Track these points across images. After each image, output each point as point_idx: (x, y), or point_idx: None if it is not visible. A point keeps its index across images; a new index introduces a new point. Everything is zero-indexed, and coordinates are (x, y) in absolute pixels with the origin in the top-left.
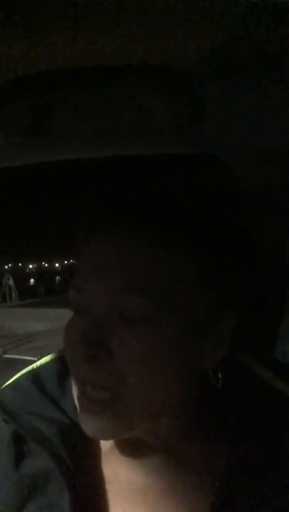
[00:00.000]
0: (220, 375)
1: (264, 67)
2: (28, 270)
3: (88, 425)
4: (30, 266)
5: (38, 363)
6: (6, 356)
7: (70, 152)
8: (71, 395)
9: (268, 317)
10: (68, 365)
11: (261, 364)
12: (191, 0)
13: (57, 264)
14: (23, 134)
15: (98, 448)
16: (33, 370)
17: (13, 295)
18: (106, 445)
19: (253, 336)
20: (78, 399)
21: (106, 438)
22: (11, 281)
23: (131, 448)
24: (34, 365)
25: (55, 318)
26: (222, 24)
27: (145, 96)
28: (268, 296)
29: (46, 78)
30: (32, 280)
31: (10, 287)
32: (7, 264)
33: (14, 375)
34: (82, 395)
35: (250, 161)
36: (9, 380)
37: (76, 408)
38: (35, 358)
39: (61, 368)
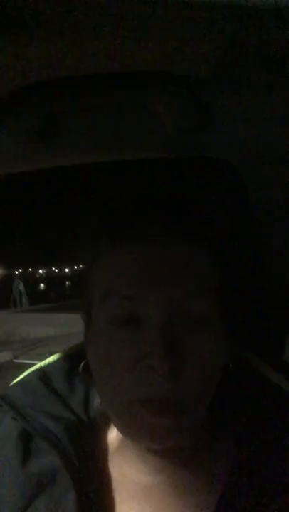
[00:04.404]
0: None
1: (265, 70)
2: (38, 275)
3: (151, 435)
4: (40, 271)
5: (46, 361)
6: (17, 361)
7: (77, 157)
8: (79, 392)
9: (274, 317)
10: (113, 383)
11: (268, 365)
12: (191, 4)
13: (67, 270)
14: (31, 141)
15: (105, 447)
16: (41, 368)
17: (24, 300)
18: (113, 444)
19: (261, 338)
20: (132, 409)
21: (168, 445)
22: (21, 287)
23: (139, 448)
24: (42, 363)
25: (66, 323)
26: (222, 28)
27: (150, 101)
28: (276, 298)
29: (53, 86)
30: (42, 285)
31: (20, 292)
32: (17, 270)
33: None
34: (141, 407)
35: (254, 164)
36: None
37: (85, 406)
38: None
39: (69, 365)
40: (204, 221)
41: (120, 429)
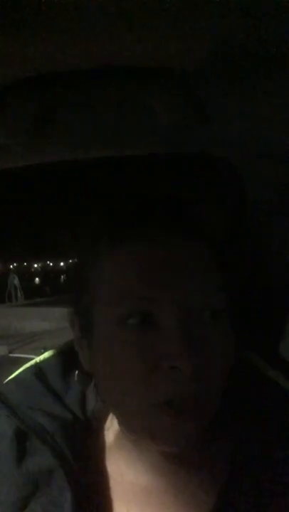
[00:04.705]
0: None
1: (264, 68)
2: (33, 269)
3: (173, 438)
4: (35, 265)
5: (42, 357)
6: (12, 355)
7: (72, 153)
8: (75, 390)
9: (273, 316)
10: (129, 388)
11: (267, 362)
12: (191, 1)
13: (62, 263)
14: (25, 135)
15: (102, 446)
16: (36, 364)
17: (19, 294)
18: (110, 443)
19: (258, 335)
20: (152, 413)
21: (188, 445)
22: (16, 281)
23: (137, 447)
24: (37, 359)
25: (61, 317)
26: (221, 25)
27: (147, 97)
28: (273, 295)
29: (48, 79)
30: (37, 279)
31: (15, 287)
32: (12, 264)
33: None
34: (162, 410)
35: (253, 161)
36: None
37: (81, 404)
38: None
39: (65, 362)
40: (204, 221)
41: (135, 433)
